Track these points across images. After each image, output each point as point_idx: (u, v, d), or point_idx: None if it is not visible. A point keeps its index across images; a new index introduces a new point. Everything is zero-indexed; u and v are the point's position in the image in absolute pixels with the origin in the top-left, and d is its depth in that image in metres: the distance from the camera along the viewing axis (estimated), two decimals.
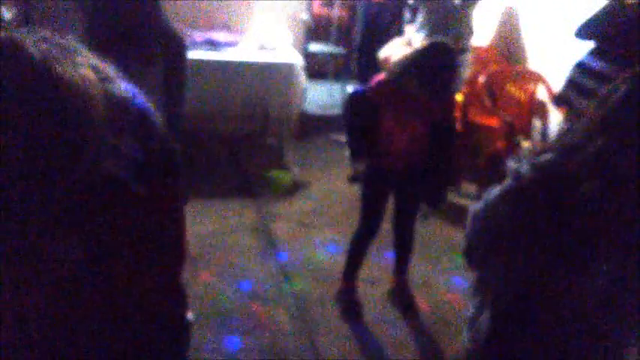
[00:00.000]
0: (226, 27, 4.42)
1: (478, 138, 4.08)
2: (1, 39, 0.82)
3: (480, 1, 3.62)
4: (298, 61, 4.16)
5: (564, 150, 1.20)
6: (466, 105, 4.02)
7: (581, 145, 1.17)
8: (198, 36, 4.13)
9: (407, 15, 4.13)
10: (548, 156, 1.22)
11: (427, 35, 3.56)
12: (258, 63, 4.06)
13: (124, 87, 0.94)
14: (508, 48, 4.44)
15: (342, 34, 6.02)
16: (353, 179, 3.01)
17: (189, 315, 1.22)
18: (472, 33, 3.69)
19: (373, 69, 3.28)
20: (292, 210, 3.67)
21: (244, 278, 2.93)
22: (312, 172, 4.18)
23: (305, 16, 4.73)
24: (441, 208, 2.85)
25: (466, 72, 3.71)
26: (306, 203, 3.78)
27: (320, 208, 3.73)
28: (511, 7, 4.42)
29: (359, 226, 2.74)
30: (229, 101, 4.03)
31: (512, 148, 3.51)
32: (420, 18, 3.71)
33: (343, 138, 3.57)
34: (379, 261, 3.11)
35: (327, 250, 3.25)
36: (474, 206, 1.37)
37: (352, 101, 2.57)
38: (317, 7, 5.78)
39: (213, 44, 4.11)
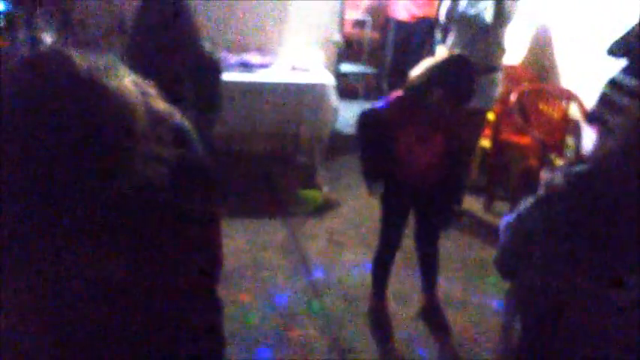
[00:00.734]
0: (259, 49, 4.52)
1: (510, 156, 4.05)
2: (50, 52, 0.87)
3: (511, 20, 3.62)
4: (330, 81, 4.22)
5: (598, 161, 1.21)
6: (498, 123, 3.99)
7: (616, 156, 1.17)
8: (233, 58, 4.23)
9: (438, 35, 4.16)
10: (582, 166, 1.22)
11: None
12: (290, 84, 4.13)
13: (162, 103, 0.98)
14: (540, 66, 4.41)
15: (373, 54, 6.08)
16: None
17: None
18: (504, 51, 3.68)
19: None
20: (323, 228, 3.70)
21: (275, 295, 2.96)
22: (343, 191, 4.20)
23: (337, 37, 4.80)
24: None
25: (498, 90, 3.70)
26: (337, 221, 3.80)
27: (351, 226, 3.75)
28: (543, 25, 4.40)
29: (378, 243, 2.74)
30: (262, 121, 4.11)
31: (545, 166, 3.47)
32: (450, 38, 3.73)
33: None
34: (410, 279, 3.10)
35: (358, 269, 3.26)
36: (507, 217, 1.38)
37: (363, 120, 2.51)
38: (348, 28, 5.86)
39: (246, 66, 4.21)
